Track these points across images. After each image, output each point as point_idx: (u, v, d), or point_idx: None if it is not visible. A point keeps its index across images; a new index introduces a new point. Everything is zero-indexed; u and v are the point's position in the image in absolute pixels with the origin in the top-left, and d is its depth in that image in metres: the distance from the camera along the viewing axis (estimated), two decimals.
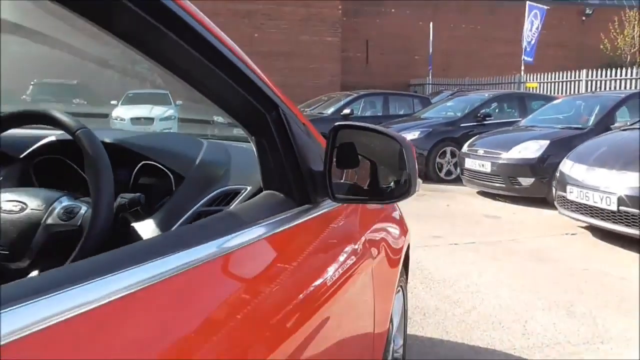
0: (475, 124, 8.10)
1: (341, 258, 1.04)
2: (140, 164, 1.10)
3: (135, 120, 10.79)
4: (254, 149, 0.94)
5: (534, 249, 4.10)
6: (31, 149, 1.17)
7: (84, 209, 0.90)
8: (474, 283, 3.32)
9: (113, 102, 10.14)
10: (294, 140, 0.93)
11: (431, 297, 3.09)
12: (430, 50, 17.54)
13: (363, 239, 1.22)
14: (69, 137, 0.91)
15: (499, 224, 5.08)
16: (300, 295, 0.77)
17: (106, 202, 0.84)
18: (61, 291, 0.41)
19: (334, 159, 0.97)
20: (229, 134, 1.61)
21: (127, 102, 10.96)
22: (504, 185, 6.12)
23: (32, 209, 0.90)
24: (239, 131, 1.17)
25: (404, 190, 0.96)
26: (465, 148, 6.95)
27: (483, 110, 8.34)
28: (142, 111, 11.15)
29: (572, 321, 2.73)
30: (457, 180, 7.33)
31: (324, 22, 17.84)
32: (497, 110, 8.96)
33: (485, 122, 8.10)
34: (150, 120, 10.89)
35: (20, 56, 1.52)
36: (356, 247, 1.14)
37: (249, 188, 1.08)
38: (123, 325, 0.46)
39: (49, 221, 0.89)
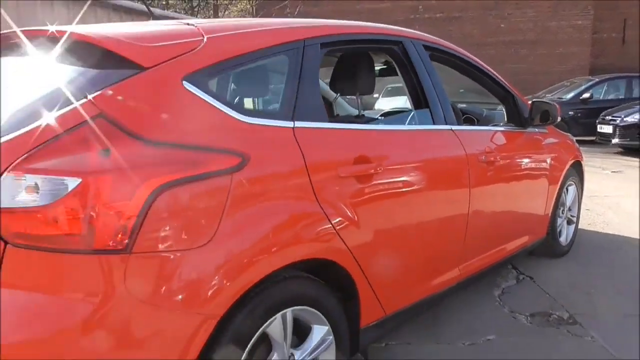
0: None
1: (535, 152, 3.03)
2: (464, 116, 3.24)
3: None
4: (504, 109, 3.01)
5: None
6: None
7: None
8: None
9: (375, 95, 12.95)
10: (517, 106, 2.96)
11: (618, 219, 4.64)
12: None
13: (545, 150, 3.15)
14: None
15: None
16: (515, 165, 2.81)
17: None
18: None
19: (531, 115, 2.93)
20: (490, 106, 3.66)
21: (387, 95, 13.67)
22: None
23: None
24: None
25: (553, 121, 2.91)
26: None
27: None
28: (399, 102, 13.81)
29: None
30: None
31: (574, 5, 17.86)
32: None
33: None
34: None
35: None
36: (541, 152, 3.09)
37: (501, 123, 3.11)
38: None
39: None
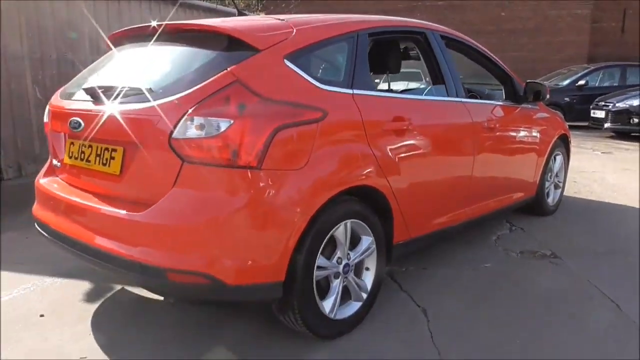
0: None
1: (527, 124, 3.70)
2: (470, 93, 3.88)
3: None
4: (503, 88, 3.67)
5: None
6: None
7: None
8: (633, 186, 5.39)
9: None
10: (514, 86, 3.62)
11: (601, 190, 5.31)
12: None
13: (535, 122, 3.82)
14: None
15: None
16: (511, 133, 3.49)
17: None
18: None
19: (526, 93, 3.60)
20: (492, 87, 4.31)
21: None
22: None
23: None
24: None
25: (543, 99, 3.58)
26: None
27: None
28: (401, 86, 14.54)
29: None
30: None
31: None
32: None
33: None
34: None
35: None
36: (533, 124, 3.76)
37: (500, 100, 3.75)
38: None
39: None
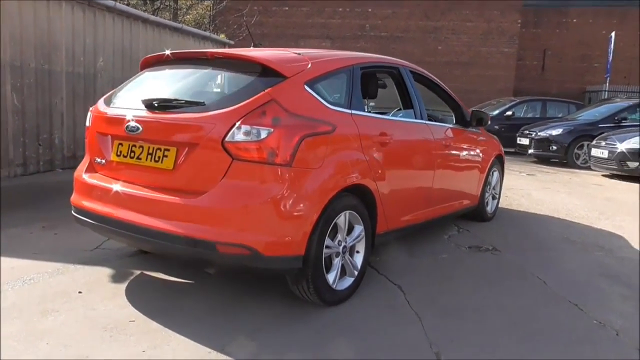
0: (612, 125, 10.43)
1: (473, 144, 4.51)
2: (429, 117, 4.66)
3: None
4: (453, 115, 4.47)
5: (593, 193, 6.89)
6: None
7: None
8: (554, 201, 6.39)
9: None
10: (463, 112, 4.42)
11: (528, 203, 6.27)
12: (610, 59, 18.60)
13: (479, 144, 4.64)
14: None
15: (594, 186, 7.80)
16: (462, 153, 4.28)
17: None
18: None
19: (471, 119, 4.42)
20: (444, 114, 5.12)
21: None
22: (616, 167, 8.68)
23: None
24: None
25: (485, 124, 4.41)
26: (594, 141, 9.52)
27: (621, 115, 10.61)
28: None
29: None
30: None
31: (502, 35, 20.27)
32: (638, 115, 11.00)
33: (622, 124, 10.38)
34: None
35: None
36: (477, 144, 4.58)
37: (452, 124, 4.53)
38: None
39: None
